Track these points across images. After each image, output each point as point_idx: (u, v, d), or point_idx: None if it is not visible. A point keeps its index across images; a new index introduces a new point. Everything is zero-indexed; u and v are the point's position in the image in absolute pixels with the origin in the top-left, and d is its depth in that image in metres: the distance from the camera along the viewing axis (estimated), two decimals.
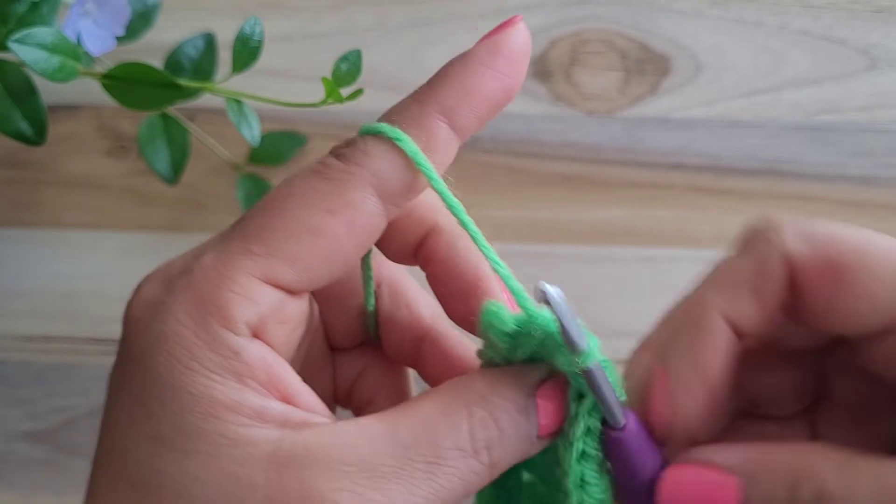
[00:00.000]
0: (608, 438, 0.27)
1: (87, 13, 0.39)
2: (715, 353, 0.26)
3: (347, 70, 0.38)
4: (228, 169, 0.49)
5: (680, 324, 0.27)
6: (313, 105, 0.39)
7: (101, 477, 0.25)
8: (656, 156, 0.50)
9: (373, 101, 0.46)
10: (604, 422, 0.27)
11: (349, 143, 0.26)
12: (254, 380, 0.24)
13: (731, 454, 0.26)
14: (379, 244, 0.28)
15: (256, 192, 0.48)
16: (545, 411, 0.26)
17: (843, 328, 0.27)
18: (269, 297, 0.25)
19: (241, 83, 0.40)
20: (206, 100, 0.42)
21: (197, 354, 0.24)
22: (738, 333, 0.26)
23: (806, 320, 0.27)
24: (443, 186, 0.26)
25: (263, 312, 0.25)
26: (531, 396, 0.26)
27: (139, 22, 0.44)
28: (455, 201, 0.26)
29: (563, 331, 0.25)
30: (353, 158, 0.26)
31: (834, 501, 0.25)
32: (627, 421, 0.27)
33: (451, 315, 0.30)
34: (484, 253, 0.26)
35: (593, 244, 0.49)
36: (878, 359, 0.27)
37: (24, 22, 0.38)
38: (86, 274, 0.49)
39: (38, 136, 0.39)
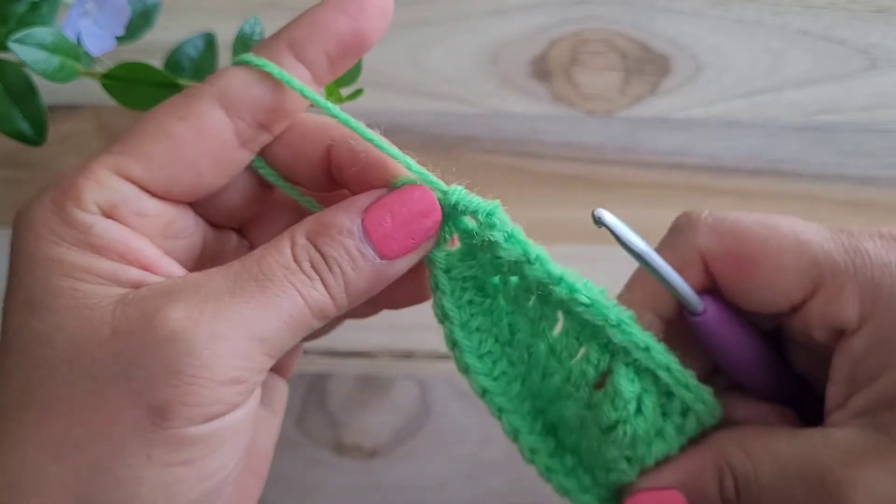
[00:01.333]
0: (694, 324, 0.32)
1: (87, 13, 0.39)
2: None
3: (347, 70, 0.38)
4: None
5: None
6: None
7: None
8: (656, 156, 0.50)
9: (373, 101, 0.47)
10: (687, 311, 0.32)
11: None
12: (110, 251, 0.28)
13: (666, 475, 0.33)
14: (292, 176, 0.32)
15: None
16: (377, 229, 0.29)
17: (757, 309, 0.32)
18: (120, 186, 0.29)
19: None
20: None
21: (56, 230, 0.28)
22: (665, 319, 0.32)
23: (731, 302, 0.32)
24: (297, 83, 0.29)
25: (114, 198, 0.28)
26: (355, 218, 0.29)
27: (139, 22, 0.44)
28: (316, 97, 0.29)
29: (625, 246, 0.30)
30: (208, 79, 0.30)
31: (748, 485, 0.31)
32: (706, 305, 0.31)
33: None
34: (376, 144, 0.29)
35: (593, 244, 0.49)
36: (797, 332, 0.32)
37: (24, 22, 0.38)
38: None
39: (38, 136, 0.39)
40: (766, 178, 0.49)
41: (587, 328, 0.31)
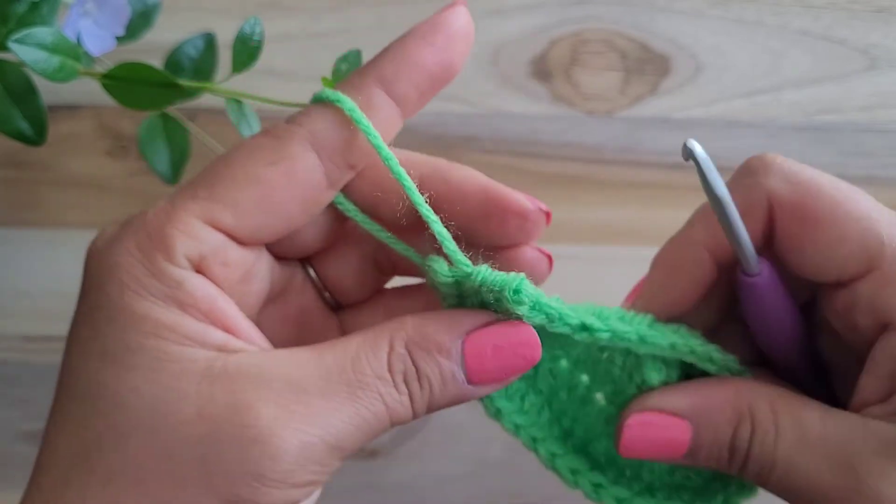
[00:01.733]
0: (744, 285, 0.30)
1: (87, 13, 0.39)
2: (691, 281, 0.31)
3: (347, 70, 0.38)
4: None
5: (668, 255, 0.32)
6: None
7: (57, 396, 0.27)
8: (656, 156, 0.50)
9: None
10: (741, 269, 0.30)
11: (299, 112, 0.29)
12: (196, 309, 0.27)
13: (679, 399, 0.30)
14: (372, 211, 0.31)
15: None
16: (475, 357, 0.28)
17: (806, 272, 0.30)
18: (210, 237, 0.27)
19: (241, 83, 0.40)
20: (206, 100, 0.42)
21: (143, 281, 0.26)
22: (720, 263, 0.31)
23: (778, 257, 0.30)
24: (378, 140, 0.28)
25: (204, 250, 0.27)
26: (456, 340, 0.28)
27: (139, 22, 0.44)
28: (390, 155, 0.28)
29: (705, 183, 0.29)
30: (296, 119, 0.28)
31: (764, 443, 0.29)
32: (762, 268, 0.30)
33: None
34: (422, 212, 0.29)
35: (593, 244, 0.49)
36: (837, 311, 0.30)
37: (24, 22, 0.38)
38: None
39: (38, 136, 0.39)
40: None
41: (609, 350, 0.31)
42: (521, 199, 0.31)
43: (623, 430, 0.30)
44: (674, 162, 0.49)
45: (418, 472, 0.47)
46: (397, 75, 0.29)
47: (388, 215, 0.31)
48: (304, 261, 0.33)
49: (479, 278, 0.28)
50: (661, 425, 0.30)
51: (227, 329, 0.27)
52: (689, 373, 0.32)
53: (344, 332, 0.33)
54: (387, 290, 0.35)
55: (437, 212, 0.29)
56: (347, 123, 0.28)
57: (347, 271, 0.33)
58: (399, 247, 0.31)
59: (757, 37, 0.51)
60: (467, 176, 0.31)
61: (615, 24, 0.51)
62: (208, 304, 0.27)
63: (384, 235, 0.31)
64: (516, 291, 0.28)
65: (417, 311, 0.30)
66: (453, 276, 0.28)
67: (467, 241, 0.30)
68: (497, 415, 0.32)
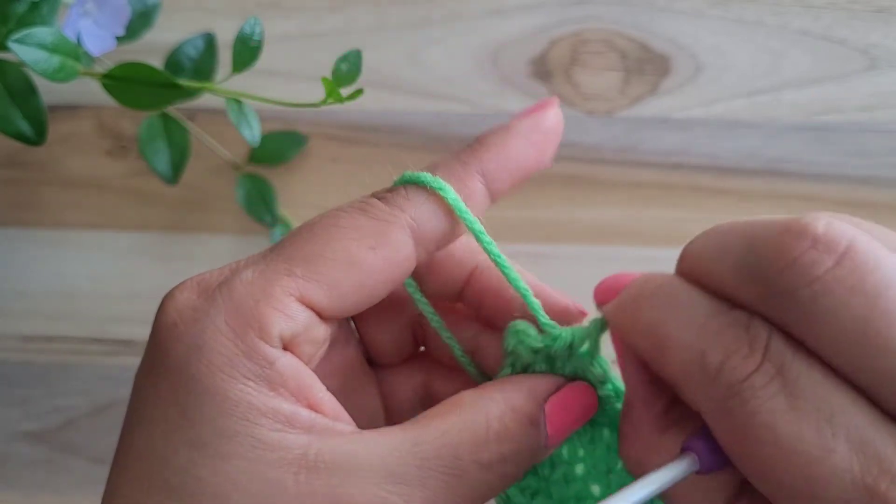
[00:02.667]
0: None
1: (87, 13, 0.39)
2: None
3: (347, 70, 0.38)
4: (228, 169, 0.49)
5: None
6: (313, 105, 0.39)
7: (132, 481, 0.26)
8: (656, 156, 0.50)
9: (373, 101, 0.47)
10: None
11: (391, 189, 0.29)
12: (285, 388, 0.26)
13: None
14: (425, 286, 0.31)
15: (256, 192, 0.48)
16: (554, 421, 0.28)
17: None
18: (303, 316, 0.26)
19: (241, 83, 0.40)
20: (206, 100, 0.42)
21: (235, 363, 0.25)
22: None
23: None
24: (483, 234, 0.29)
25: (297, 330, 0.26)
26: (542, 407, 0.28)
27: (139, 22, 0.44)
28: (492, 245, 0.29)
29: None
30: (397, 202, 0.28)
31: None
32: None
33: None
34: (519, 291, 0.29)
35: (593, 244, 0.49)
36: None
37: (24, 22, 0.38)
38: (86, 274, 0.49)
39: (38, 136, 0.39)
40: (766, 178, 0.49)
41: None
42: (564, 302, 0.31)
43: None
44: (674, 162, 0.49)
45: None
46: (499, 172, 0.29)
47: (437, 284, 0.31)
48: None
49: (573, 337, 0.29)
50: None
51: (311, 406, 0.26)
52: None
53: (381, 387, 0.33)
54: (421, 352, 0.34)
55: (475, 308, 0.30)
56: (447, 213, 0.28)
57: (387, 334, 0.33)
58: (445, 335, 0.32)
59: (757, 37, 0.51)
60: (510, 140, 0.30)
61: (615, 24, 0.51)
62: (296, 381, 0.26)
63: (447, 336, 0.32)
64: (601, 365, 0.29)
65: (456, 374, 0.30)
66: (543, 342, 0.29)
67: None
68: (506, 503, 0.32)
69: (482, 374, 0.32)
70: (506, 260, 0.29)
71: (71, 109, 0.50)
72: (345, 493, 0.25)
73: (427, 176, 0.28)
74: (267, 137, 0.47)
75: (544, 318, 0.29)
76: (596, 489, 0.32)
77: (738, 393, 0.23)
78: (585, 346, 0.29)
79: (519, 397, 0.28)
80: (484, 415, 0.27)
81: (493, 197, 0.29)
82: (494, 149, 0.29)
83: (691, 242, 0.26)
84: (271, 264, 0.27)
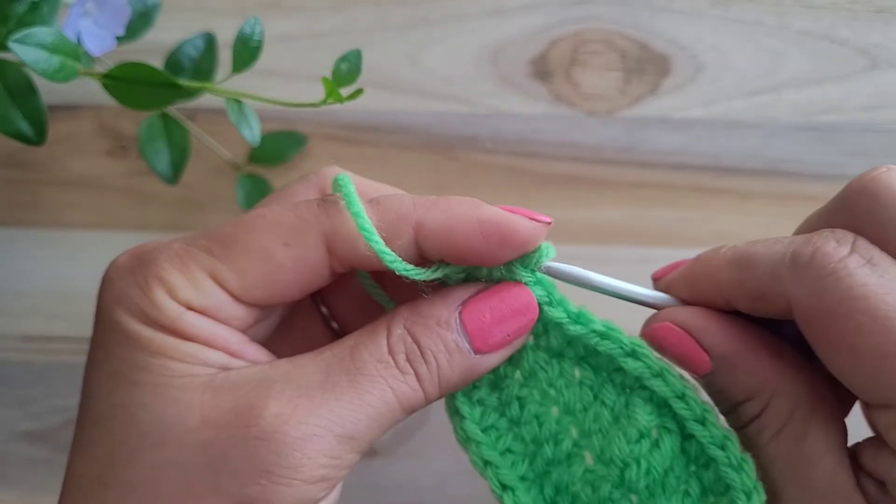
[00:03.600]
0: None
1: (87, 13, 0.39)
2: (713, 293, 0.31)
3: (347, 70, 0.38)
4: (228, 169, 0.49)
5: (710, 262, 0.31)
6: (313, 105, 0.39)
7: (78, 422, 0.29)
8: (656, 156, 0.50)
9: (373, 101, 0.47)
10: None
11: (335, 191, 0.29)
12: (197, 338, 0.28)
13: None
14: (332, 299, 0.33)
15: (256, 192, 0.48)
16: (475, 324, 0.29)
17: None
18: (214, 292, 0.28)
19: (241, 83, 0.40)
20: (206, 100, 0.42)
21: (149, 313, 0.28)
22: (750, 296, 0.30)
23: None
24: (367, 230, 0.28)
25: (206, 303, 0.28)
26: (453, 310, 0.29)
27: (139, 22, 0.44)
28: (388, 254, 0.29)
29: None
30: (325, 206, 0.29)
31: None
32: None
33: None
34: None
35: (593, 244, 0.49)
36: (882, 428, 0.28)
37: (24, 22, 0.38)
38: (86, 274, 0.49)
39: (38, 136, 0.39)
40: (766, 178, 0.49)
41: (601, 371, 0.31)
42: (523, 224, 0.29)
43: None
44: (674, 162, 0.49)
45: (418, 471, 0.47)
46: (440, 249, 0.29)
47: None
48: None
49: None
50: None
51: (231, 354, 0.28)
52: (685, 443, 0.30)
53: None
54: None
55: (441, 256, 0.29)
56: (362, 239, 0.28)
57: (353, 304, 0.33)
58: (383, 300, 0.32)
59: (757, 37, 0.51)
60: (461, 213, 0.30)
61: (615, 24, 0.51)
62: (209, 333, 0.28)
63: (384, 299, 0.32)
64: (542, 252, 0.29)
65: None
66: (464, 270, 0.29)
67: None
68: (466, 442, 0.31)
69: None
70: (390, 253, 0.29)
71: (71, 109, 0.50)
72: (246, 401, 0.26)
73: (358, 211, 0.28)
74: (267, 137, 0.47)
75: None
76: (574, 432, 0.32)
77: (832, 273, 0.26)
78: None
79: (426, 304, 0.29)
80: (385, 322, 0.29)
81: (423, 251, 0.29)
82: (441, 212, 0.28)
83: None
84: (197, 240, 0.29)
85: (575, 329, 0.30)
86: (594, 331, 0.30)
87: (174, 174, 0.45)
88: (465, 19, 0.51)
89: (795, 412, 0.28)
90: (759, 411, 0.29)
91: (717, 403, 0.31)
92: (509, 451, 0.32)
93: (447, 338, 0.28)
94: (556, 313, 0.30)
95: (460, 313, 0.29)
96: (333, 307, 0.34)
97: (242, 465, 0.26)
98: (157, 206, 0.49)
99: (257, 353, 0.29)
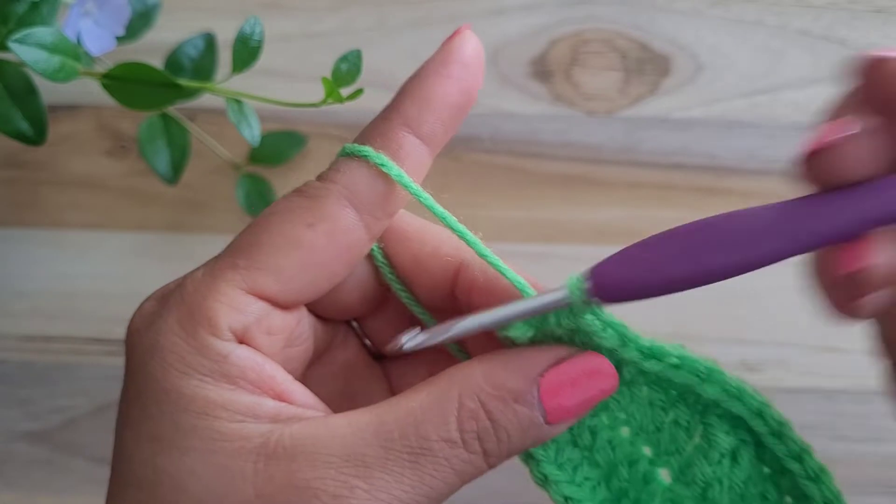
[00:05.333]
0: None
1: (87, 13, 0.39)
2: None
3: (347, 70, 0.38)
4: (228, 169, 0.49)
5: None
6: (313, 105, 0.39)
7: (113, 480, 0.27)
8: (656, 156, 0.50)
9: (373, 101, 0.46)
10: None
11: (329, 167, 0.28)
12: (244, 380, 0.26)
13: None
14: (415, 288, 0.30)
15: (256, 192, 0.48)
16: (552, 396, 0.27)
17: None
18: (253, 306, 0.26)
19: (241, 83, 0.40)
20: (206, 100, 0.42)
21: (188, 360, 0.26)
22: None
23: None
24: (417, 189, 0.28)
25: (247, 321, 0.26)
26: (532, 384, 0.27)
27: (139, 22, 0.44)
28: (434, 205, 0.28)
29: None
30: (328, 176, 0.27)
31: None
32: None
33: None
34: (509, 279, 0.28)
35: (593, 244, 0.49)
36: None
37: (24, 22, 0.38)
38: (86, 274, 0.49)
39: (38, 136, 0.39)
40: (766, 178, 0.49)
41: (672, 393, 0.30)
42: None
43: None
44: (674, 162, 0.49)
45: None
46: (421, 115, 0.27)
47: (428, 295, 0.30)
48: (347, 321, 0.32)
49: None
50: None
51: (278, 396, 0.26)
52: (759, 449, 0.30)
53: (389, 379, 0.32)
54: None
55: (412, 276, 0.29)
56: (381, 177, 0.27)
57: (391, 330, 0.32)
58: (424, 316, 0.31)
59: (757, 37, 0.51)
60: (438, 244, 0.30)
61: (615, 24, 0.51)
62: (257, 374, 0.26)
63: (419, 311, 0.31)
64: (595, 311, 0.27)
65: (467, 356, 0.29)
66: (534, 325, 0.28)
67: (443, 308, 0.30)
68: (544, 483, 0.30)
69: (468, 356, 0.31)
70: (457, 223, 0.28)
71: (71, 109, 0.50)
72: (302, 479, 0.25)
73: (352, 145, 0.28)
74: (267, 137, 0.47)
75: (523, 285, 0.28)
76: (647, 450, 0.31)
77: None
78: (590, 315, 0.27)
79: (503, 372, 0.27)
80: (457, 390, 0.26)
81: (430, 143, 0.28)
82: (411, 93, 0.28)
83: None
84: (218, 261, 0.27)
85: (650, 365, 0.29)
86: (671, 364, 0.29)
87: (174, 174, 0.45)
88: (465, 19, 0.51)
89: None
90: None
91: None
92: (586, 479, 0.31)
93: (524, 415, 0.26)
94: (630, 354, 0.28)
95: (539, 386, 0.27)
96: (368, 331, 0.32)
97: None
98: (157, 206, 0.49)
99: (304, 395, 0.27)
